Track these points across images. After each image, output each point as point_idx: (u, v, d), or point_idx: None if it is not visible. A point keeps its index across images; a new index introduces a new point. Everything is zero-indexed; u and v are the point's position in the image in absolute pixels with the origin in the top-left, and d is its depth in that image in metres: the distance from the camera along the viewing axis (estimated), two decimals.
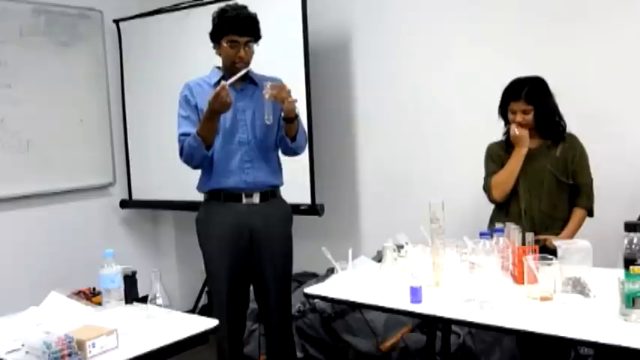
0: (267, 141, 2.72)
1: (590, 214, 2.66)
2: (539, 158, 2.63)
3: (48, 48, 3.93)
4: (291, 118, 2.59)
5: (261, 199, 2.71)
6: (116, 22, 4.27)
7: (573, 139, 2.66)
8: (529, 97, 2.58)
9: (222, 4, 2.68)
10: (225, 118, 2.64)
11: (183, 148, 2.62)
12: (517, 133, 2.59)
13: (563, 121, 2.66)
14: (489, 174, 2.73)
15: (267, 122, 2.54)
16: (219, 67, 2.72)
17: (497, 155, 2.73)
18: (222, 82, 2.49)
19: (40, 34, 3.89)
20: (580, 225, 2.62)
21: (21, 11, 3.80)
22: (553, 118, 2.64)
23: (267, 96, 2.49)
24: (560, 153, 2.62)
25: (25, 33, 3.82)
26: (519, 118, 2.60)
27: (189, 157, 2.62)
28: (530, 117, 2.60)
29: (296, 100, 2.56)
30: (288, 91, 2.54)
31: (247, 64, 2.65)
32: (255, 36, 2.63)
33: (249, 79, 2.72)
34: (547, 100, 2.61)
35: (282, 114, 2.59)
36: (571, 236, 2.55)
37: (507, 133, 2.68)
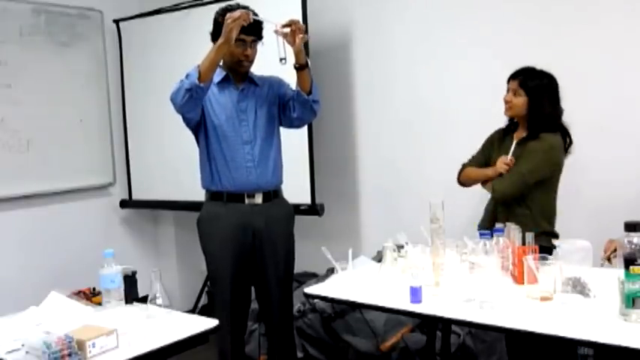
0: (269, 140, 2.72)
1: (495, 193, 2.58)
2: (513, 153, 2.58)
3: (48, 48, 3.93)
4: (303, 65, 2.57)
5: (264, 200, 2.71)
6: (116, 22, 4.27)
7: (546, 137, 2.53)
8: (524, 83, 2.55)
9: (222, 4, 2.68)
10: (228, 118, 2.65)
11: (178, 83, 2.52)
12: (498, 168, 2.55)
13: (564, 128, 2.57)
14: (471, 160, 2.77)
15: (283, 63, 2.52)
16: (220, 67, 2.72)
17: (489, 145, 2.74)
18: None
19: (40, 33, 3.89)
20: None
21: (21, 11, 3.80)
22: (544, 118, 2.54)
23: (279, 29, 2.47)
24: (524, 149, 2.56)
25: (25, 33, 3.82)
26: (508, 97, 2.60)
27: (179, 86, 2.50)
28: (517, 101, 2.55)
29: (306, 38, 2.54)
30: (302, 27, 2.50)
31: (252, 62, 2.67)
32: (259, 36, 2.64)
33: (250, 80, 2.72)
34: (543, 97, 2.54)
35: (294, 60, 2.55)
36: None
37: (509, 121, 2.69)
